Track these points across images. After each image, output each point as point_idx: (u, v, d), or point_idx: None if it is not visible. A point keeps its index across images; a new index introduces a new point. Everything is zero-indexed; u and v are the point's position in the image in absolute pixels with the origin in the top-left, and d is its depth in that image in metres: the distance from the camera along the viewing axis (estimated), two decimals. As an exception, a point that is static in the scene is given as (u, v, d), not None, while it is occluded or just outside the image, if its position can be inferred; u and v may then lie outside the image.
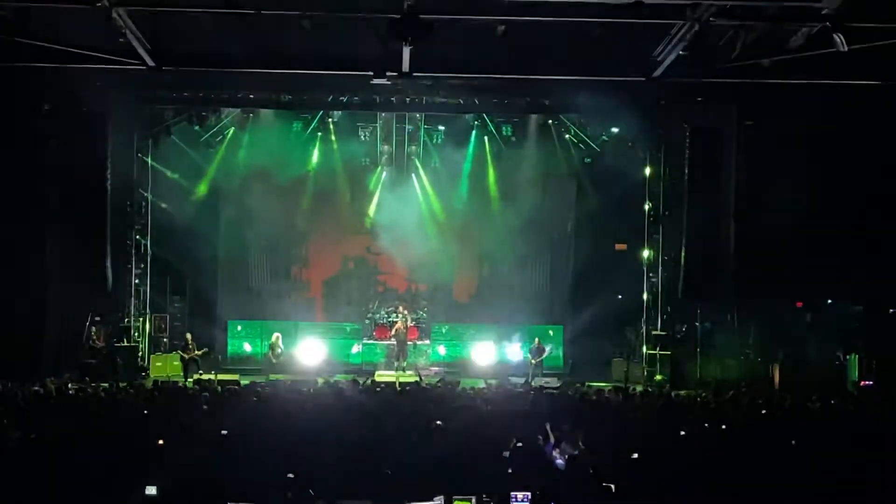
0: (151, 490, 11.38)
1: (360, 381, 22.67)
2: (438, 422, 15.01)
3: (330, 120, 30.48)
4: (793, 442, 14.81)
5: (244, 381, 23.67)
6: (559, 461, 13.61)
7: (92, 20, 20.24)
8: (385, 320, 31.32)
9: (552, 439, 14.35)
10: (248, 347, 31.19)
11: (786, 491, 12.03)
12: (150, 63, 22.67)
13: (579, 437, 14.21)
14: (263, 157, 30.93)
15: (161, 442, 13.70)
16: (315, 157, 31.81)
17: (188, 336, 28.22)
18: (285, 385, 22.46)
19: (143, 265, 29.47)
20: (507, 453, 13.79)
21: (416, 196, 32.65)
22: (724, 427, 16.22)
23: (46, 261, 26.72)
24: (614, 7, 18.58)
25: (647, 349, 29.19)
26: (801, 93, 24.15)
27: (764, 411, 18.71)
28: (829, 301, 28.89)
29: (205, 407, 16.77)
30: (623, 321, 31.09)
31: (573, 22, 20.70)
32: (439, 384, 22.70)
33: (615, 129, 29.68)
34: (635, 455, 13.39)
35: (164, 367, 28.81)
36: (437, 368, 29.99)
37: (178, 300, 31.07)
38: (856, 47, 19.60)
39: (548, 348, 29.28)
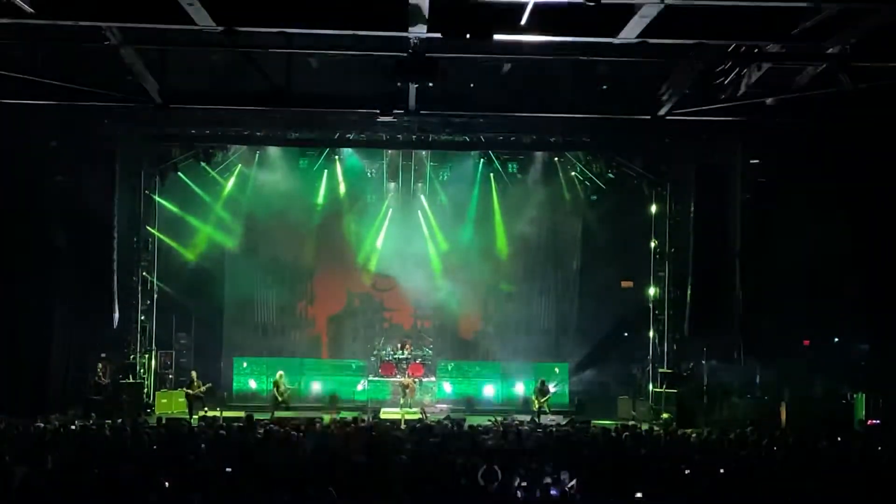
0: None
1: (365, 419, 22.61)
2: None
3: (336, 157, 30.61)
4: (799, 481, 14.73)
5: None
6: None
7: (100, 58, 20.37)
8: (391, 357, 31.20)
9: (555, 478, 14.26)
10: (253, 384, 31.12)
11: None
12: (158, 100, 22.76)
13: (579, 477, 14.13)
14: (270, 193, 31.09)
15: (167, 483, 13.64)
16: (321, 193, 31.90)
17: (193, 373, 28.13)
18: (290, 422, 22.37)
19: (148, 302, 29.45)
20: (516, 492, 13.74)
21: (422, 232, 32.68)
22: (730, 466, 16.13)
23: (53, 297, 26.72)
24: (620, 46, 18.64)
25: (654, 387, 29.08)
26: (807, 131, 24.20)
27: (772, 449, 18.61)
28: (836, 339, 28.80)
29: (203, 446, 16.69)
30: (629, 359, 31.04)
31: (579, 60, 20.80)
32: (445, 421, 22.62)
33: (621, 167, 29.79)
34: (639, 494, 13.32)
35: (170, 403, 28.71)
36: (443, 406, 29.88)
37: (183, 337, 31.07)
38: (861, 86, 19.64)
39: (552, 387, 29.09)
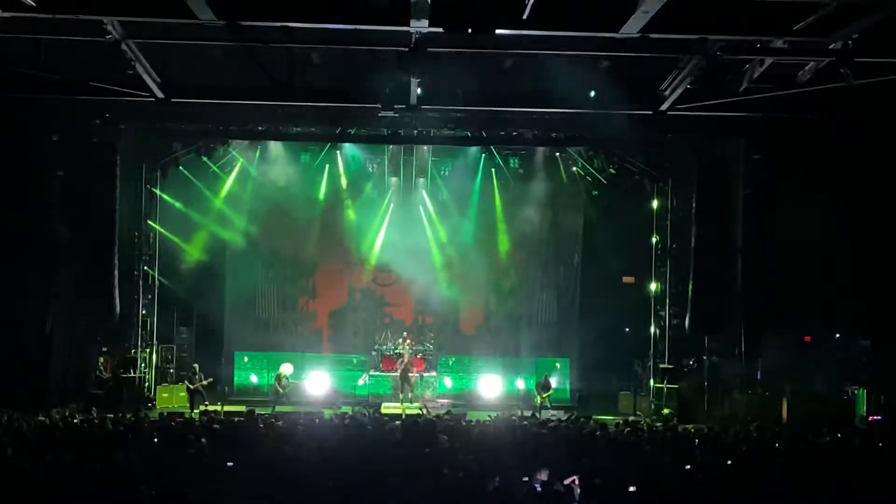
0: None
1: (367, 413, 22.59)
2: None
3: (338, 152, 30.60)
4: (800, 477, 14.70)
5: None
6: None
7: (101, 52, 20.32)
8: (392, 352, 31.18)
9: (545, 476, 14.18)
10: (254, 379, 31.15)
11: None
12: (159, 95, 22.73)
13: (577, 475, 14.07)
14: (271, 188, 31.13)
15: (168, 478, 13.61)
16: (323, 188, 31.92)
17: (195, 367, 28.14)
18: (291, 417, 22.37)
19: (150, 296, 29.51)
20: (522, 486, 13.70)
21: (424, 228, 32.68)
22: (730, 462, 16.12)
23: (54, 291, 26.71)
24: (622, 40, 18.60)
25: (655, 383, 29.08)
26: (809, 127, 24.16)
27: (773, 445, 18.60)
28: (838, 335, 28.77)
29: (203, 440, 16.65)
30: (630, 354, 31.04)
31: (581, 55, 20.76)
32: (446, 416, 22.59)
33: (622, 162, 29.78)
34: (632, 488, 13.29)
35: (171, 398, 28.77)
36: (443, 401, 29.89)
37: (184, 331, 31.06)
38: (863, 82, 19.61)
39: (554, 381, 29.08)
